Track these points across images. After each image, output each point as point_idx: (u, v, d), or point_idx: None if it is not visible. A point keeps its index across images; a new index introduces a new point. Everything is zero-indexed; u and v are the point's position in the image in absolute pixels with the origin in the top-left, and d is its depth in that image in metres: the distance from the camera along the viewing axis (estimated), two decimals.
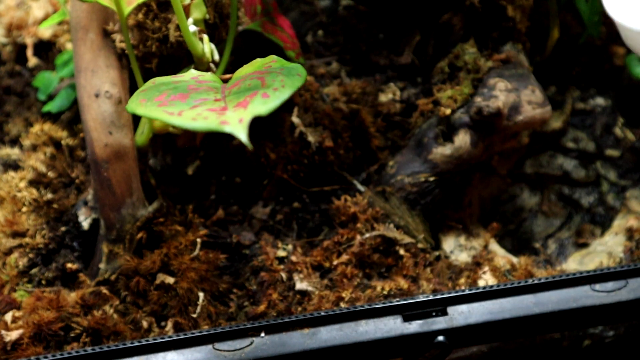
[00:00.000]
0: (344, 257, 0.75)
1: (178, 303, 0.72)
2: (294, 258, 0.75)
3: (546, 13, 0.86)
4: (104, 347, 0.63)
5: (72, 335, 0.70)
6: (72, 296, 0.72)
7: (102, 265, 0.73)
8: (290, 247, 0.77)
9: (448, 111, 0.78)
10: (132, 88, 0.77)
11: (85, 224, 0.77)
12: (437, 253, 0.78)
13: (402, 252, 0.76)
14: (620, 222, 0.81)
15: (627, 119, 0.89)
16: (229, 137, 0.78)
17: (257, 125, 0.70)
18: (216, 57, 0.72)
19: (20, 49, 0.93)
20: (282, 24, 0.83)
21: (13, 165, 0.83)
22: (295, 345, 0.65)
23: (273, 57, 0.55)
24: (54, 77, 0.88)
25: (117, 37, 0.76)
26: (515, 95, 0.77)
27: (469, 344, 0.71)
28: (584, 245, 0.82)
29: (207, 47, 0.70)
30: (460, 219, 0.81)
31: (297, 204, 0.80)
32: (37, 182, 0.79)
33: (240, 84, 0.50)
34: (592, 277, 0.67)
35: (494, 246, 0.80)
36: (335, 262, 0.75)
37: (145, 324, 0.71)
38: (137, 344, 0.65)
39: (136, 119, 0.76)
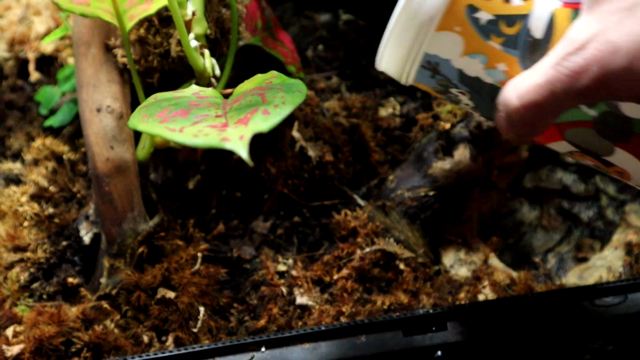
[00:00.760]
0: (344, 272, 0.75)
1: (179, 318, 0.72)
2: (294, 272, 0.75)
3: None
4: None
5: (73, 350, 0.70)
6: (73, 311, 0.72)
7: (103, 280, 0.74)
8: (290, 261, 0.77)
9: (448, 125, 0.78)
10: (134, 102, 0.77)
11: (87, 239, 0.77)
12: (437, 267, 0.78)
13: (402, 266, 0.76)
14: (619, 237, 0.81)
15: None
16: (230, 152, 0.78)
17: (257, 139, 0.70)
18: (217, 71, 0.72)
19: (23, 63, 0.93)
20: (282, 38, 0.83)
21: (15, 180, 0.83)
22: None
23: (274, 72, 0.55)
24: (56, 92, 0.88)
25: (119, 52, 0.76)
26: None
27: None
28: (584, 259, 0.82)
29: (208, 62, 0.70)
30: (460, 233, 0.81)
31: (298, 218, 0.80)
32: (38, 196, 0.79)
33: (241, 100, 0.51)
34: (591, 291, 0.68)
35: (494, 260, 0.80)
36: (335, 277, 0.75)
37: (146, 338, 0.71)
38: (137, 358, 0.65)
39: (137, 134, 0.76)
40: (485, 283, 0.76)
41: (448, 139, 0.79)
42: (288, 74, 0.82)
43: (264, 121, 0.45)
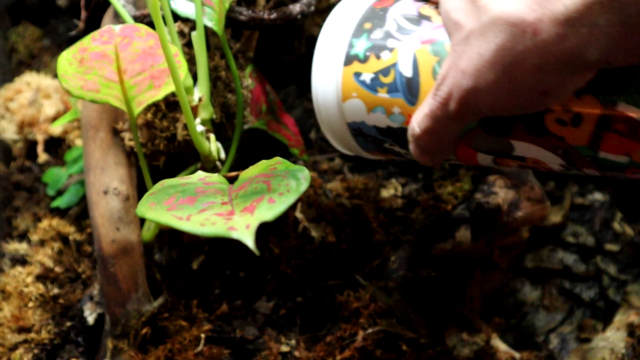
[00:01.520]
0: (347, 353, 0.75)
1: None
2: (297, 353, 0.75)
3: None
4: None
5: None
6: None
7: None
8: (293, 342, 0.77)
9: (449, 207, 0.79)
10: (140, 184, 0.78)
11: (91, 319, 0.77)
12: (439, 348, 0.78)
13: (404, 347, 0.76)
14: (621, 318, 0.82)
15: (625, 214, 0.90)
16: None
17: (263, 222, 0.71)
18: (222, 155, 0.73)
19: (31, 145, 0.95)
20: (286, 122, 0.85)
21: (21, 260, 0.83)
22: None
23: (278, 159, 0.57)
24: (63, 173, 0.89)
25: (126, 135, 0.77)
26: (515, 192, 0.79)
27: None
28: (586, 340, 0.82)
29: (213, 146, 0.71)
30: (462, 313, 0.81)
31: (301, 298, 0.80)
32: (44, 277, 0.80)
33: (247, 187, 0.52)
34: None
35: (496, 341, 0.80)
36: (338, 358, 0.75)
37: None
38: None
39: None
40: None
41: (449, 220, 0.80)
42: (292, 156, 0.84)
43: (270, 210, 0.46)
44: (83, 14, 0.84)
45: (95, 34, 0.64)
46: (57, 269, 0.80)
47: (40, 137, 0.94)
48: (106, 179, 0.76)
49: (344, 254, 0.82)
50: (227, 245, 0.82)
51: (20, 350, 0.75)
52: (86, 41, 0.64)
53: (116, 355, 0.73)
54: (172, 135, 0.76)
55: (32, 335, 0.76)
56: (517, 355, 0.77)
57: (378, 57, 0.62)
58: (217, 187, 0.55)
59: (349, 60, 0.64)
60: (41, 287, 0.79)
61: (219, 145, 0.73)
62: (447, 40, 0.57)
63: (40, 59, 1.08)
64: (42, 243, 0.83)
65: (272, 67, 0.89)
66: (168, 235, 0.81)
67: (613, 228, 0.89)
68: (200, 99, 0.71)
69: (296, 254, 0.80)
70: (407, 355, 0.75)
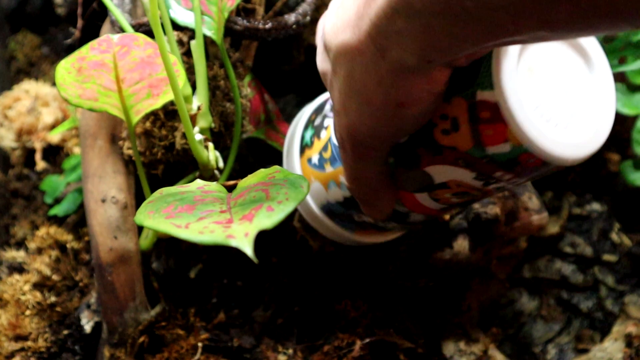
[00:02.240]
0: None
1: None
2: None
3: None
4: None
5: None
6: None
7: None
8: (290, 351, 0.77)
9: (447, 217, 0.79)
10: (138, 193, 0.78)
11: (88, 327, 0.77)
12: (437, 358, 0.78)
13: (402, 357, 0.76)
14: (619, 328, 0.82)
15: (623, 224, 0.90)
16: None
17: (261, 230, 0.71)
18: (221, 164, 0.73)
19: (29, 153, 0.95)
20: (284, 130, 0.85)
21: (18, 268, 0.83)
22: None
23: (276, 167, 0.57)
24: (61, 181, 0.89)
25: (125, 144, 0.78)
26: (513, 202, 0.79)
27: None
28: (584, 351, 0.82)
29: (212, 155, 0.71)
30: (459, 323, 0.81)
31: (298, 307, 0.80)
32: (41, 285, 0.80)
33: (245, 196, 0.52)
34: None
35: (494, 351, 0.80)
36: None
37: None
38: None
39: None
40: None
41: (447, 230, 0.80)
42: None
43: (268, 218, 0.46)
44: (79, 23, 0.84)
45: (93, 42, 0.64)
46: (55, 277, 0.80)
47: (38, 145, 0.94)
48: (104, 187, 0.76)
49: (342, 263, 0.82)
50: (224, 254, 0.82)
51: (17, 359, 0.75)
52: (84, 50, 0.64)
53: None
54: (171, 144, 0.76)
55: (29, 343, 0.76)
56: None
57: (319, 138, 0.69)
58: (215, 195, 0.55)
59: (302, 150, 0.71)
60: (38, 295, 0.79)
61: (218, 154, 0.73)
62: None
63: (39, 67, 1.08)
64: (39, 251, 0.83)
65: (270, 76, 0.89)
66: (166, 244, 0.81)
67: (611, 238, 0.89)
68: (199, 108, 0.71)
69: (294, 263, 0.80)
70: None
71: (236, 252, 0.81)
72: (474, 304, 0.83)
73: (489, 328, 0.81)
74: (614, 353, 0.79)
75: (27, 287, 0.79)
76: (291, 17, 0.76)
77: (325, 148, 0.68)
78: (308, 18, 0.77)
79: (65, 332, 0.77)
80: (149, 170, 0.78)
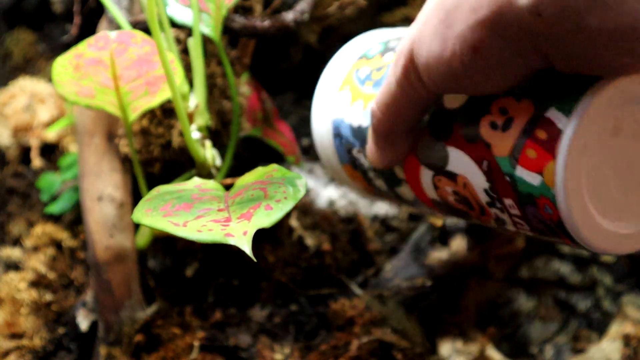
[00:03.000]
0: None
1: None
2: None
3: None
4: None
5: None
6: None
7: None
8: (287, 350, 0.77)
9: (439, 222, 0.79)
10: (135, 191, 0.78)
11: (84, 326, 0.77)
12: (434, 358, 0.77)
13: (399, 356, 0.75)
14: (616, 328, 0.81)
15: None
16: None
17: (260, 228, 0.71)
18: (218, 162, 0.73)
19: (25, 150, 0.95)
20: (282, 129, 0.85)
21: (14, 266, 0.83)
22: None
23: (274, 166, 0.56)
24: (57, 179, 0.89)
25: (122, 141, 0.77)
26: None
27: None
28: (581, 351, 0.82)
29: (209, 153, 0.71)
30: (457, 323, 0.81)
31: (295, 306, 0.80)
32: (37, 283, 0.80)
33: (243, 194, 0.52)
34: None
35: (491, 351, 0.79)
36: None
37: None
38: None
39: None
40: None
41: (444, 229, 0.80)
42: (287, 163, 0.84)
43: (267, 217, 0.46)
44: (76, 20, 0.84)
45: (90, 39, 0.64)
46: (50, 275, 0.80)
47: (34, 143, 0.93)
48: (100, 185, 0.76)
49: (339, 262, 0.82)
50: (221, 253, 0.82)
51: (12, 357, 0.75)
52: (81, 47, 0.64)
53: None
54: (168, 142, 0.76)
55: (25, 341, 0.76)
56: None
57: (382, 56, 0.62)
58: (213, 193, 0.55)
59: (359, 57, 0.64)
60: (34, 294, 0.78)
61: (215, 152, 0.73)
62: None
63: (35, 64, 1.07)
64: (35, 249, 0.83)
65: (268, 74, 0.89)
66: (162, 243, 0.81)
67: None
68: (196, 106, 0.71)
69: (291, 262, 0.80)
70: None
71: (233, 251, 0.81)
72: (471, 303, 0.83)
73: (487, 328, 0.81)
74: (611, 353, 0.79)
75: (22, 285, 0.79)
76: (289, 15, 0.76)
77: (379, 69, 0.61)
78: (306, 16, 0.77)
79: (61, 330, 0.77)
80: (146, 169, 0.77)
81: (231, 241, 0.43)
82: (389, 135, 0.55)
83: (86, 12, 0.84)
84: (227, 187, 0.61)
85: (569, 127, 0.43)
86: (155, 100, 0.68)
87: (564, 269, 0.87)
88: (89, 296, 0.77)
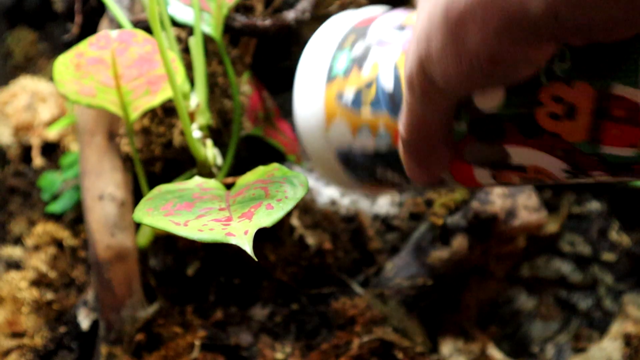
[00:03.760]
0: None
1: None
2: None
3: None
4: None
5: None
6: None
7: None
8: (288, 349, 0.77)
9: (440, 221, 0.79)
10: (136, 190, 0.78)
11: (85, 325, 0.77)
12: (435, 357, 0.77)
13: (400, 356, 0.75)
14: (618, 327, 0.81)
15: (622, 223, 0.90)
16: None
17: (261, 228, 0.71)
18: (219, 161, 0.73)
19: (26, 149, 0.95)
20: (283, 128, 0.85)
21: (15, 265, 0.83)
22: None
23: (275, 165, 0.56)
24: (58, 178, 0.89)
25: (123, 140, 0.77)
26: (512, 200, 0.79)
27: None
28: (582, 350, 0.82)
29: (210, 152, 0.71)
30: (458, 322, 0.81)
31: (296, 305, 0.80)
32: (38, 282, 0.80)
33: (244, 193, 0.52)
34: None
35: (492, 350, 0.79)
36: None
37: None
38: None
39: None
40: None
41: (445, 229, 0.80)
42: (289, 162, 0.84)
43: (268, 216, 0.46)
44: (77, 19, 0.84)
45: (92, 38, 0.64)
46: (52, 274, 0.80)
47: (35, 142, 0.93)
48: (101, 184, 0.75)
49: (340, 261, 0.81)
50: (222, 252, 0.82)
51: (13, 356, 0.75)
52: (83, 46, 0.64)
53: None
54: (169, 141, 0.76)
55: (26, 340, 0.76)
56: None
57: (359, 71, 0.58)
58: (214, 193, 0.55)
59: (331, 77, 0.60)
60: (35, 292, 0.78)
61: (216, 151, 0.73)
62: None
63: (37, 63, 1.07)
64: (36, 248, 0.83)
65: (269, 73, 0.88)
66: (163, 241, 0.81)
67: (610, 237, 0.88)
68: (197, 105, 0.71)
69: (292, 261, 0.80)
70: None
71: (234, 250, 0.81)
72: (473, 302, 0.83)
73: (488, 327, 0.81)
74: (612, 352, 0.79)
75: (24, 284, 0.79)
76: (290, 14, 0.76)
77: (368, 86, 0.57)
78: (307, 15, 0.77)
79: (62, 329, 0.77)
80: (147, 168, 0.77)
81: (232, 240, 0.43)
82: (426, 153, 0.53)
83: (87, 11, 0.84)
84: (228, 186, 0.61)
85: None
86: (156, 100, 0.68)
87: (565, 268, 0.87)
88: (90, 295, 0.77)
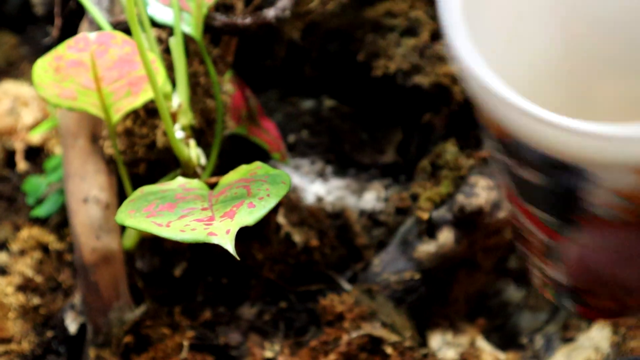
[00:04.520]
0: (331, 357, 0.75)
1: None
2: (281, 359, 0.75)
3: None
4: None
5: None
6: None
7: None
8: (277, 347, 0.77)
9: (425, 215, 0.79)
10: (120, 192, 0.78)
11: (72, 329, 0.77)
12: (424, 351, 0.78)
13: (389, 350, 0.76)
14: None
15: None
16: None
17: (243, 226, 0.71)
18: (202, 161, 0.73)
19: (10, 154, 0.94)
20: (267, 126, 0.84)
21: (0, 271, 0.83)
22: None
23: (258, 163, 0.56)
24: (43, 182, 0.89)
25: (106, 143, 0.77)
26: (497, 193, 0.79)
27: None
28: (571, 339, 0.82)
29: (193, 152, 0.71)
30: (446, 315, 0.81)
31: (284, 303, 0.80)
32: (24, 287, 0.79)
33: (227, 192, 0.52)
34: None
35: (481, 342, 0.80)
36: None
37: None
38: None
39: None
40: None
41: (431, 223, 0.80)
42: (273, 160, 0.84)
43: (250, 214, 0.46)
44: (57, 22, 0.83)
45: (70, 41, 0.64)
46: (38, 279, 0.80)
47: (18, 146, 0.93)
48: (86, 186, 0.75)
49: (327, 258, 0.82)
50: (209, 252, 0.82)
51: None
52: (61, 49, 0.64)
53: None
54: (152, 142, 0.76)
55: (13, 345, 0.76)
56: (502, 356, 0.77)
57: None
58: (197, 193, 0.55)
59: None
60: (21, 297, 0.78)
61: (199, 151, 0.73)
62: None
63: (18, 67, 1.07)
64: (22, 253, 0.82)
65: (252, 71, 0.88)
66: (150, 243, 0.81)
67: None
68: (179, 105, 0.71)
69: (279, 259, 0.80)
70: (392, 358, 0.75)
71: (221, 250, 0.80)
72: (461, 295, 0.83)
73: (476, 319, 0.81)
74: (600, 341, 0.79)
75: (10, 290, 0.79)
76: (270, 12, 0.76)
77: None
78: (287, 12, 0.77)
79: (50, 333, 0.77)
80: (131, 169, 0.77)
81: (214, 240, 0.43)
82: None
83: (67, 13, 0.83)
84: (212, 186, 0.61)
85: None
86: (138, 101, 0.68)
87: None
88: (76, 299, 0.77)
